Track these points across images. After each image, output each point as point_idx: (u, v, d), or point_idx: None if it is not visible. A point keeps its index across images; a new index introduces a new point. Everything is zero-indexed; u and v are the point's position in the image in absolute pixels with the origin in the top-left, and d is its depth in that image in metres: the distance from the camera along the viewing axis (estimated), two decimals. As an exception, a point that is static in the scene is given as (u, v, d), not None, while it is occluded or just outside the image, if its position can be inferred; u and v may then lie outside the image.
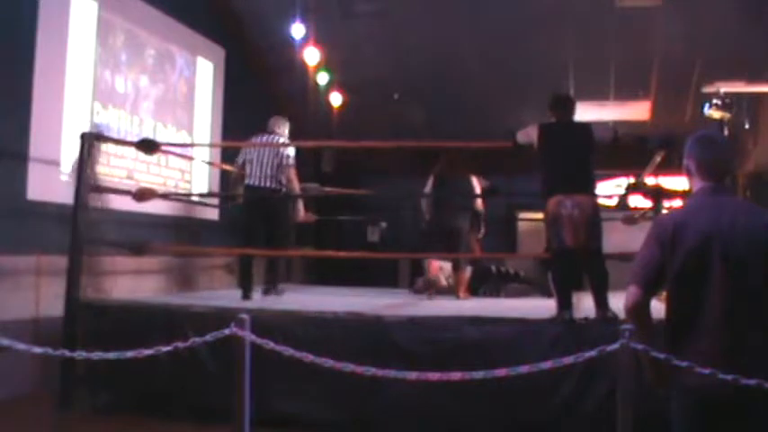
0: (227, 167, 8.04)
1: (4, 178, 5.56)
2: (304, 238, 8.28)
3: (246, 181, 6.42)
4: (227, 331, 3.24)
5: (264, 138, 6.46)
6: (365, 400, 4.48)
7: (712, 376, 2.28)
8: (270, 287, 6.46)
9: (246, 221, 6.52)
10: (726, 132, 6.84)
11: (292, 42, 8.45)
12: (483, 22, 8.39)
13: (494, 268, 7.29)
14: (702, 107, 7.07)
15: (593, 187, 4.83)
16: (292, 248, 6.41)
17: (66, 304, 5.18)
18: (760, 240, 2.36)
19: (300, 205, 6.82)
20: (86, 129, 5.99)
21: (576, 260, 4.68)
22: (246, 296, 6.16)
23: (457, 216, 6.79)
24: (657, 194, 6.12)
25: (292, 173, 6.41)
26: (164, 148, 6.89)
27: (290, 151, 6.41)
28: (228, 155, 8.27)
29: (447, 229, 6.67)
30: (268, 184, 6.32)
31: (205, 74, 8.62)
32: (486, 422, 4.42)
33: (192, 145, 8.17)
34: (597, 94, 9.13)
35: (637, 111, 9.67)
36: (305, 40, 8.43)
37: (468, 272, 6.99)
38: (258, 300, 6.13)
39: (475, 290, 7.19)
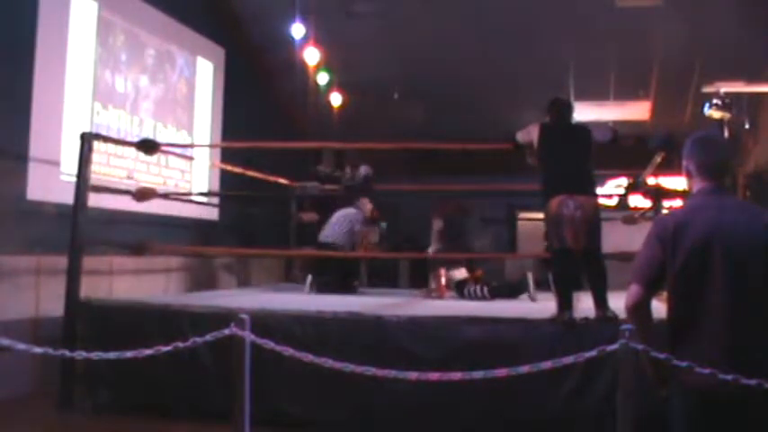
0: (228, 167, 8.05)
1: (4, 178, 5.55)
2: (304, 238, 8.27)
3: (320, 238, 7.21)
4: (227, 331, 3.23)
5: (347, 210, 7.34)
6: (365, 400, 4.48)
7: (712, 376, 2.28)
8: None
9: None
10: (726, 132, 6.84)
11: (292, 42, 8.45)
12: (483, 22, 8.40)
13: (465, 290, 6.95)
14: (702, 107, 7.06)
15: (594, 188, 4.85)
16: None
17: (66, 304, 5.18)
18: (760, 240, 2.36)
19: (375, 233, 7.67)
20: (86, 129, 5.99)
21: (575, 260, 4.69)
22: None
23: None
24: (657, 194, 6.12)
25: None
26: (164, 148, 6.90)
27: (359, 224, 7.26)
28: (228, 155, 8.29)
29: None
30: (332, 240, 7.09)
31: (205, 74, 8.62)
32: (486, 422, 4.42)
33: (192, 145, 8.17)
34: (597, 94, 9.14)
35: (637, 111, 9.68)
36: (305, 40, 8.43)
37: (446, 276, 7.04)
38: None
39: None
